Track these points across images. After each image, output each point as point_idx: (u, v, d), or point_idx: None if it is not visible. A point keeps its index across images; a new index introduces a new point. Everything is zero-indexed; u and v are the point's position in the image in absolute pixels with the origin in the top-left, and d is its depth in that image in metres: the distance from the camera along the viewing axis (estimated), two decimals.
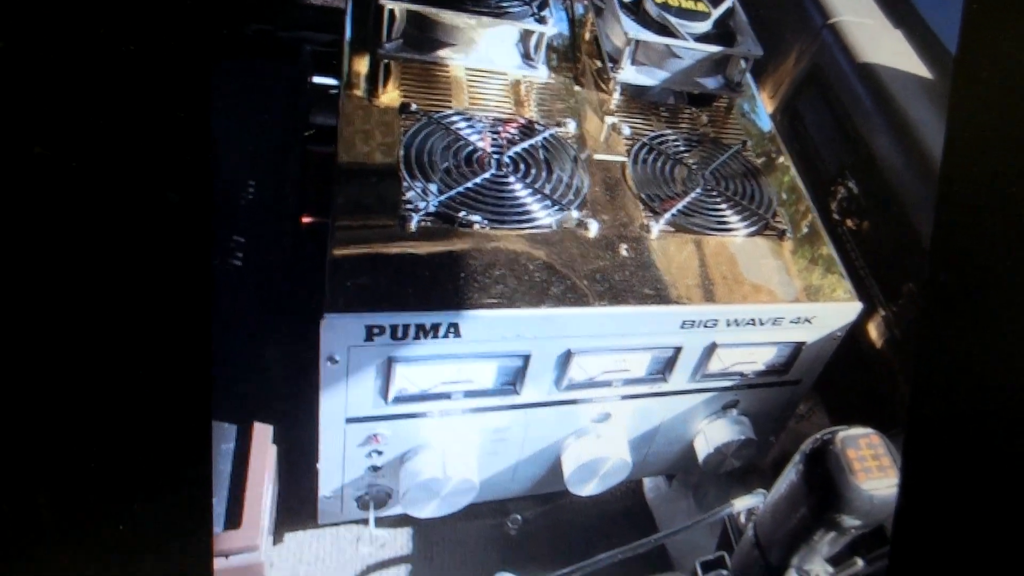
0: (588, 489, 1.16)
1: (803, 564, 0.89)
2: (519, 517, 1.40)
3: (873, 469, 0.83)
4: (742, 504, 1.06)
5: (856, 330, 1.18)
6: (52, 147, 0.49)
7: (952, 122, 0.50)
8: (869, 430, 0.85)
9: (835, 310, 1.10)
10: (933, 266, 0.52)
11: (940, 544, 0.53)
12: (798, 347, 1.13)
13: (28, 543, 0.55)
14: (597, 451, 1.12)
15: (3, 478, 0.52)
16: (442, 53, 1.20)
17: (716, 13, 1.30)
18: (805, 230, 1.18)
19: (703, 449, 1.20)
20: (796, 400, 1.25)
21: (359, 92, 1.12)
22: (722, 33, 1.31)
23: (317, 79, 1.29)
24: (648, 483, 1.51)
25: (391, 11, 1.13)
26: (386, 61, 1.16)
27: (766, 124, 1.35)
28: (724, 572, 1.01)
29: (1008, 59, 0.47)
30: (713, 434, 1.19)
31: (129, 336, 0.52)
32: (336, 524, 1.31)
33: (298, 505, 1.14)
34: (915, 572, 0.56)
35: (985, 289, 0.50)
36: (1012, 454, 0.50)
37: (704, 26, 1.27)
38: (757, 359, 1.14)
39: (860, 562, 0.90)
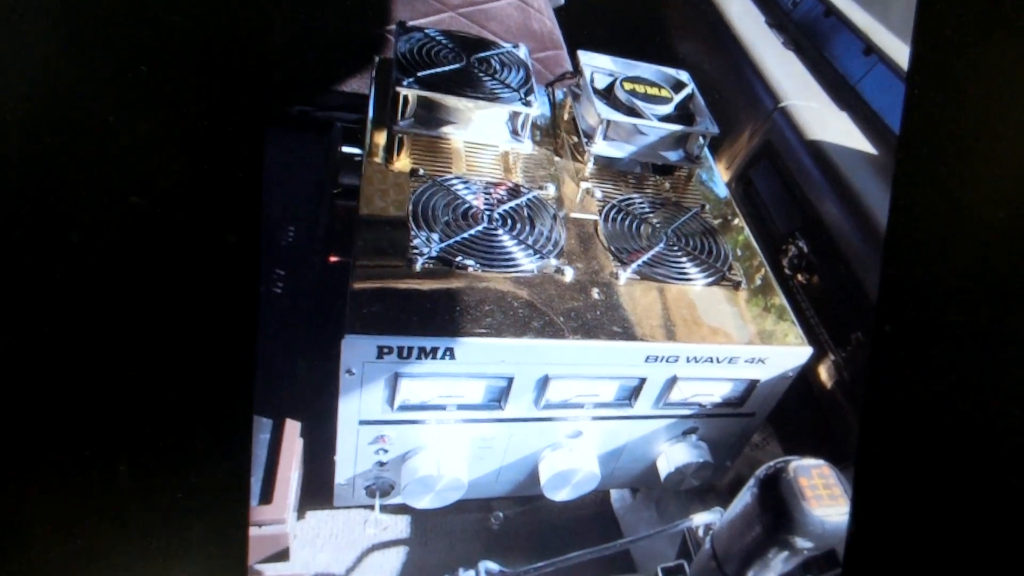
0: (561, 495, 1.27)
1: None
2: (501, 514, 1.50)
3: (824, 497, 0.88)
4: (700, 519, 1.14)
5: (807, 372, 1.29)
6: (144, 197, 0.64)
7: (896, 192, 0.58)
8: (821, 461, 0.91)
9: (787, 353, 1.20)
10: (879, 318, 0.57)
11: (890, 569, 0.62)
12: (752, 384, 1.23)
13: (109, 501, 0.66)
14: (570, 463, 1.22)
15: (94, 449, 0.69)
16: (445, 129, 1.37)
17: (677, 98, 1.48)
18: (758, 282, 1.29)
19: (665, 468, 1.29)
20: (751, 431, 1.34)
21: (378, 159, 1.28)
22: (682, 114, 1.48)
23: (345, 149, 1.46)
24: (615, 494, 1.60)
25: (405, 96, 1.32)
26: (400, 135, 1.33)
27: (722, 191, 1.51)
28: None
29: (946, 137, 0.53)
30: (674, 455, 1.29)
31: (193, 344, 0.67)
32: (348, 507, 1.42)
33: (318, 489, 1.25)
34: None
35: (924, 339, 0.61)
36: (951, 488, 0.59)
37: (667, 108, 1.45)
38: (714, 392, 1.23)
39: None
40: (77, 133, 0.57)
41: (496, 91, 1.41)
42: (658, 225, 1.34)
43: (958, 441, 0.57)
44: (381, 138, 1.34)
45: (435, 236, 1.16)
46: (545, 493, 1.26)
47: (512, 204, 1.27)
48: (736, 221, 1.44)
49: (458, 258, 1.13)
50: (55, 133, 0.57)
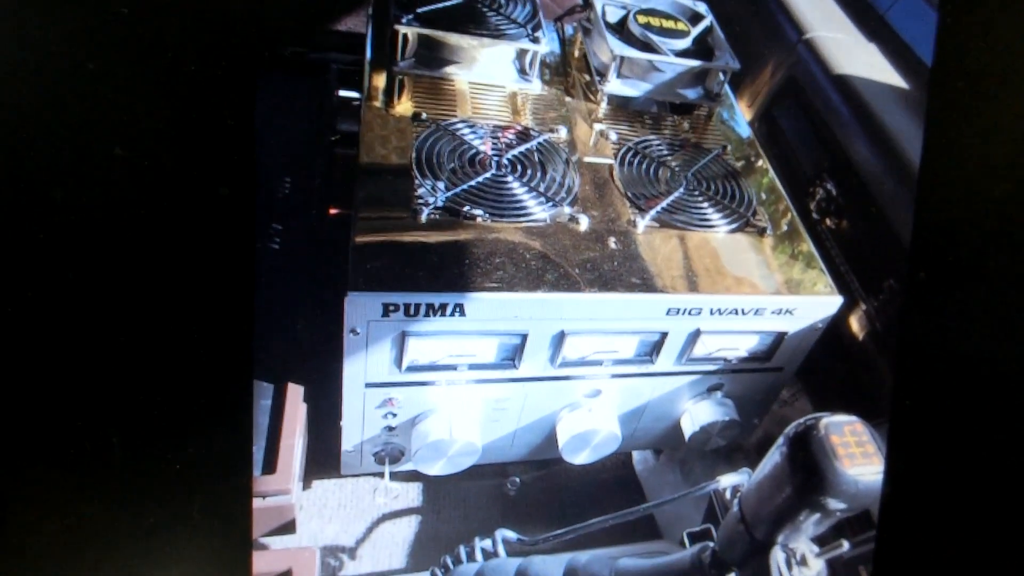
0: (581, 458, 1.27)
1: (788, 542, 0.92)
2: (518, 480, 1.51)
3: (857, 455, 0.85)
4: (727, 481, 1.10)
5: (838, 322, 1.27)
6: (129, 149, 0.63)
7: (930, 130, 0.54)
8: (853, 418, 0.88)
9: (816, 303, 1.19)
10: (913, 265, 0.56)
11: (927, 531, 0.59)
12: (780, 336, 1.23)
13: (103, 474, 0.66)
14: (589, 424, 1.22)
15: (85, 420, 0.68)
16: (448, 69, 1.36)
17: (695, 31, 1.46)
18: (785, 228, 1.28)
19: (689, 427, 1.30)
20: (779, 386, 1.35)
21: (378, 103, 1.27)
22: (701, 49, 1.47)
23: (342, 93, 1.44)
24: (637, 456, 1.61)
25: (404, 35, 1.30)
26: (400, 77, 1.32)
27: (745, 131, 1.49)
28: (710, 544, 1.03)
29: (982, 69, 0.51)
30: (698, 414, 1.29)
31: (188, 307, 0.66)
32: (356, 475, 1.43)
33: (324, 457, 1.26)
34: (903, 557, 0.64)
35: (961, 286, 0.59)
36: (992, 444, 0.56)
37: (684, 43, 1.43)
38: (740, 346, 1.23)
39: (846, 544, 0.92)
40: (54, 83, 0.55)
41: (502, 27, 1.39)
42: (677, 168, 1.33)
43: (997, 394, 0.55)
44: (380, 80, 1.32)
45: (441, 185, 1.14)
46: (564, 456, 1.27)
47: (522, 149, 1.25)
48: (760, 163, 1.42)
49: (466, 208, 1.12)
50: (30, 84, 0.55)
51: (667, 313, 1.13)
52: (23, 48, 0.54)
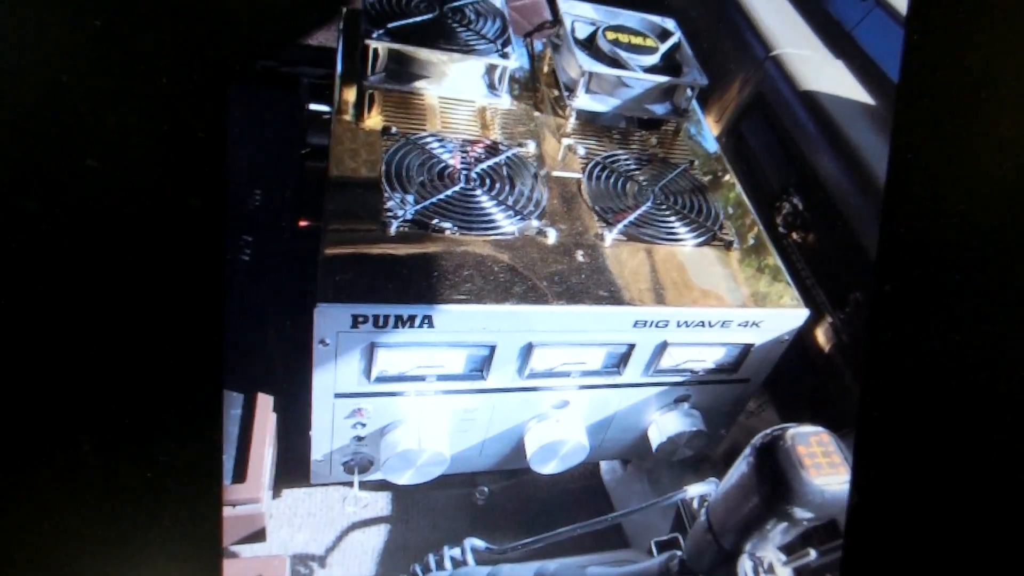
0: (549, 468, 1.29)
1: (756, 551, 0.94)
2: (486, 489, 1.52)
3: (824, 465, 0.86)
4: (695, 491, 1.12)
5: (804, 335, 1.30)
6: (101, 160, 0.63)
7: (896, 145, 0.54)
8: (819, 428, 0.89)
9: (782, 315, 1.21)
10: (878, 277, 0.56)
11: (893, 540, 0.58)
12: (747, 348, 1.24)
13: (74, 483, 0.65)
14: (557, 434, 1.24)
15: (56, 428, 0.69)
16: (418, 84, 1.38)
17: (663, 47, 1.48)
18: (751, 242, 1.31)
19: (656, 438, 1.31)
20: (745, 397, 1.36)
21: (348, 117, 1.28)
22: (669, 65, 1.49)
23: (313, 106, 1.44)
24: (605, 466, 1.62)
25: (375, 49, 1.32)
26: (370, 91, 1.34)
27: (712, 146, 1.51)
28: (678, 552, 1.04)
29: (948, 85, 0.54)
30: (666, 425, 1.31)
31: (158, 317, 0.66)
32: (326, 484, 1.43)
33: (294, 466, 1.27)
34: (869, 566, 0.64)
35: (926, 298, 0.58)
36: (957, 453, 0.55)
37: (652, 59, 1.45)
38: (707, 358, 1.25)
39: (813, 553, 0.93)
40: (27, 94, 0.56)
41: (471, 42, 1.41)
42: (645, 183, 1.35)
43: (962, 404, 0.57)
44: (351, 94, 1.34)
45: (410, 198, 1.16)
46: (532, 466, 1.28)
47: (490, 163, 1.27)
48: (727, 177, 1.45)
49: (435, 220, 1.14)
50: (3, 95, 0.56)
51: (634, 325, 1.15)
52: None
